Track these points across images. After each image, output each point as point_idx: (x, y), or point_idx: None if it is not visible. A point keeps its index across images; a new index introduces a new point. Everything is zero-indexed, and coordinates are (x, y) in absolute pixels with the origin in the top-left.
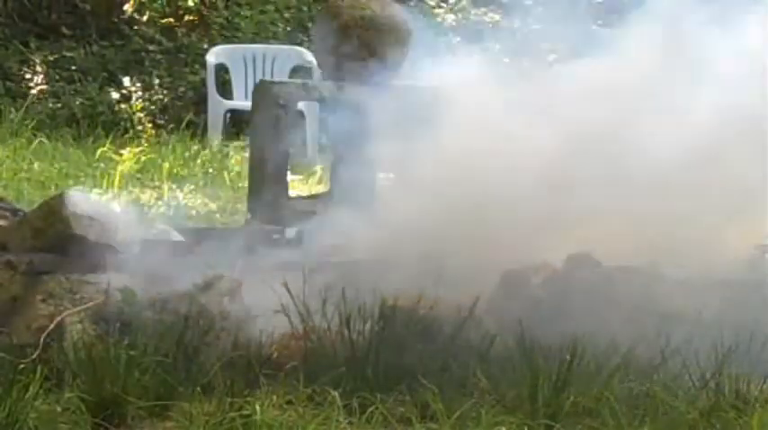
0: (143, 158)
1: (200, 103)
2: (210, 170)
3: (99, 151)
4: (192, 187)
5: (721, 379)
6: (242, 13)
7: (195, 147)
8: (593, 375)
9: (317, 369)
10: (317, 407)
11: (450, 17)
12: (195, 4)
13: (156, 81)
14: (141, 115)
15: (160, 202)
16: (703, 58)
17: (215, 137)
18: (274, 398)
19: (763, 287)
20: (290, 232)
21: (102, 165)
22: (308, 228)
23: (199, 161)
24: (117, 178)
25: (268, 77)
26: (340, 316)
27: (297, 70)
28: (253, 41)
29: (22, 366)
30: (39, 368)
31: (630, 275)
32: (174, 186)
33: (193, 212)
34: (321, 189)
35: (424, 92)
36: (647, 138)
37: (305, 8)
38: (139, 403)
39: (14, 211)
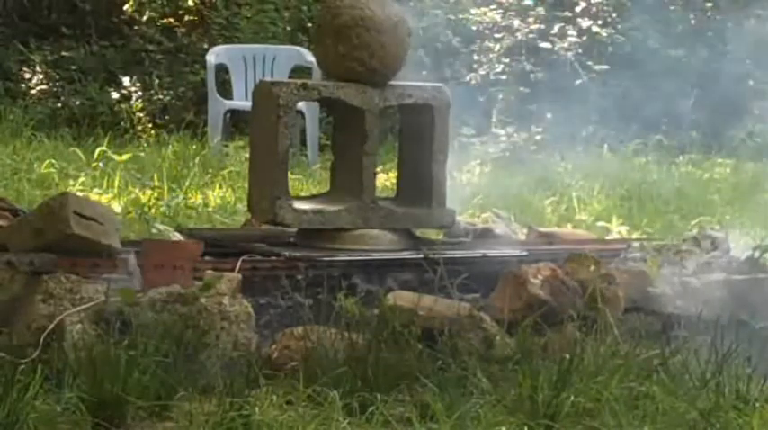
0: (143, 158)
1: (201, 103)
2: (210, 170)
3: (98, 151)
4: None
5: (721, 379)
6: (242, 13)
7: (195, 147)
8: (593, 375)
9: (316, 369)
10: (317, 407)
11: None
12: (195, 4)
13: (156, 81)
14: (141, 115)
15: (160, 202)
16: None
17: (215, 137)
18: (274, 398)
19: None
20: None
21: (101, 165)
22: None
23: (198, 161)
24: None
25: (268, 77)
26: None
27: (297, 70)
28: (253, 41)
29: (22, 366)
30: (39, 368)
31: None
32: (174, 186)
33: (193, 212)
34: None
35: (426, 91)
36: None
37: (305, 8)
38: (139, 403)
39: (14, 211)
